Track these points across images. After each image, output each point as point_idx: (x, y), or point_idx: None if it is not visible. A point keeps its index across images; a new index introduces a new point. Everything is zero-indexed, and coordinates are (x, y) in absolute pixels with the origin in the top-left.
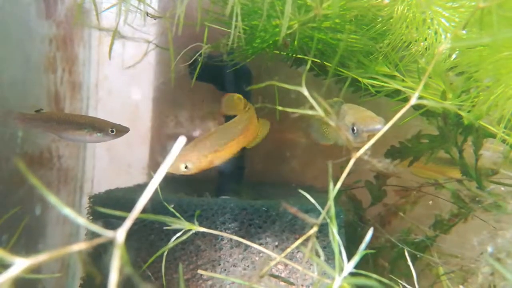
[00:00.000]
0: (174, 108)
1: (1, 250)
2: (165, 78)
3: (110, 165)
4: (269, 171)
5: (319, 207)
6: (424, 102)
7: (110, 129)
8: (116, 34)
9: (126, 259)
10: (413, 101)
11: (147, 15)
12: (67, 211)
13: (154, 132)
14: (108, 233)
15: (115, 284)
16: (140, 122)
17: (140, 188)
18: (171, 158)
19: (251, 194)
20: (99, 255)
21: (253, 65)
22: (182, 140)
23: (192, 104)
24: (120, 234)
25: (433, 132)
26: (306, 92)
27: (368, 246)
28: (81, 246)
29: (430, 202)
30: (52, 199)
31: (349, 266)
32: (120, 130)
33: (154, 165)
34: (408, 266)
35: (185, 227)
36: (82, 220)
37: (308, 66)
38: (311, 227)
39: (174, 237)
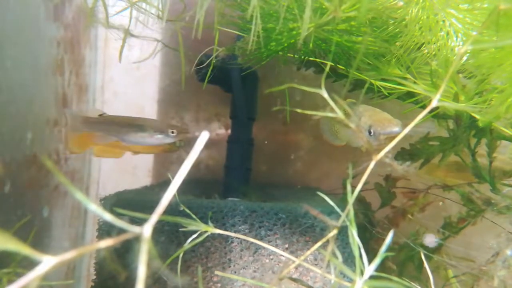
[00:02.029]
0: (180, 110)
1: (28, 248)
2: (171, 80)
3: (116, 167)
4: (274, 173)
5: (339, 210)
6: (445, 104)
7: (171, 131)
8: (124, 36)
9: (154, 254)
10: (434, 103)
11: (163, 20)
12: (93, 207)
13: None
14: (134, 229)
15: (143, 279)
16: None
17: (148, 190)
18: (194, 156)
19: (258, 195)
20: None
21: (259, 67)
22: (205, 134)
23: (197, 106)
24: (147, 229)
25: (440, 134)
26: (325, 94)
27: (375, 249)
28: (108, 242)
29: (441, 203)
30: (79, 195)
31: (369, 269)
32: (180, 131)
33: (159, 167)
34: (417, 268)
35: (201, 229)
36: (108, 216)
37: (327, 69)
38: (321, 229)
39: (190, 239)
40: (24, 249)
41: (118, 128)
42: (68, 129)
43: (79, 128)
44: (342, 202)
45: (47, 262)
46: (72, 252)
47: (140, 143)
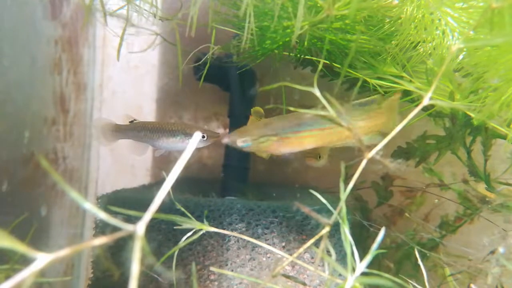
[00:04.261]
0: (178, 109)
1: (24, 245)
2: (169, 79)
3: (114, 166)
4: (272, 172)
5: (331, 208)
6: (438, 102)
7: (202, 135)
8: (122, 34)
9: (147, 251)
10: (425, 101)
11: (157, 18)
12: (88, 205)
13: None
14: (128, 227)
15: (136, 276)
16: None
17: (145, 189)
18: (187, 155)
19: (256, 194)
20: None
21: (257, 66)
22: (198, 135)
23: (196, 105)
24: (140, 227)
25: (437, 132)
26: (318, 93)
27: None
28: (102, 240)
29: (436, 200)
30: (73, 194)
31: (361, 266)
32: (211, 136)
33: (157, 166)
34: (414, 267)
35: (195, 227)
36: (102, 214)
37: (320, 68)
38: (317, 227)
39: (185, 237)
40: (19, 247)
41: (150, 134)
42: (99, 137)
43: (110, 136)
44: (339, 200)
45: (42, 259)
46: (67, 249)
47: (172, 149)
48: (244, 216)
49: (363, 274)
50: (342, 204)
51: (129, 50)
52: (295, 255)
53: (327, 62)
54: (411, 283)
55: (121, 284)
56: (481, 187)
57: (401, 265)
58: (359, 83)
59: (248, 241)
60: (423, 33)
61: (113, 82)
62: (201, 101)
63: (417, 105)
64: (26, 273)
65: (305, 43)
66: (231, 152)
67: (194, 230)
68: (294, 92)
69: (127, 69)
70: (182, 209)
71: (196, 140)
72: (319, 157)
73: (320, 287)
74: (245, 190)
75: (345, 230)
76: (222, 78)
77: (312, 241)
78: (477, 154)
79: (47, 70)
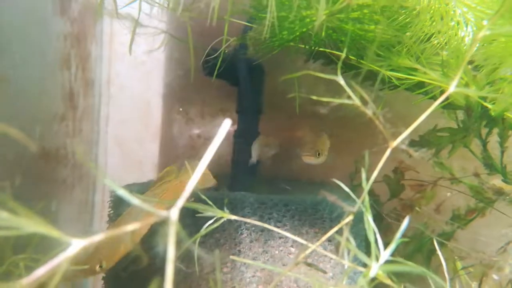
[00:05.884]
0: (185, 105)
1: (58, 231)
2: (176, 74)
3: (122, 161)
4: (279, 167)
5: (355, 197)
6: (462, 90)
7: None
8: (134, 27)
9: (183, 235)
10: (452, 89)
11: (173, 10)
12: (122, 192)
13: (165, 128)
14: (161, 213)
15: (172, 260)
16: (151, 119)
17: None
18: (218, 142)
19: (265, 189)
20: None
21: (265, 60)
22: (227, 122)
23: (202, 101)
24: (174, 213)
25: (446, 125)
26: (342, 81)
27: (385, 241)
28: (135, 226)
29: (449, 194)
30: (108, 181)
31: (385, 254)
32: None
33: (165, 162)
34: (425, 260)
35: (216, 215)
36: (136, 201)
37: (341, 61)
38: (331, 220)
39: (205, 225)
40: (53, 232)
41: None
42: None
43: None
44: (348, 195)
45: (76, 244)
46: (100, 235)
47: None
48: (257, 209)
49: (387, 262)
50: (365, 194)
51: (138, 46)
52: (317, 243)
53: (342, 54)
54: (428, 273)
55: (139, 275)
56: (497, 180)
57: (412, 259)
58: (380, 76)
59: (261, 234)
60: (439, 24)
61: (121, 77)
62: (207, 96)
63: (430, 98)
64: (61, 258)
65: (323, 34)
66: (241, 148)
67: (214, 219)
68: (302, 87)
69: (134, 65)
70: (206, 198)
71: (225, 129)
72: (318, 154)
73: (335, 278)
74: (254, 185)
75: (369, 218)
76: (230, 73)
77: (335, 229)
78: (492, 147)
79: (57, 66)
